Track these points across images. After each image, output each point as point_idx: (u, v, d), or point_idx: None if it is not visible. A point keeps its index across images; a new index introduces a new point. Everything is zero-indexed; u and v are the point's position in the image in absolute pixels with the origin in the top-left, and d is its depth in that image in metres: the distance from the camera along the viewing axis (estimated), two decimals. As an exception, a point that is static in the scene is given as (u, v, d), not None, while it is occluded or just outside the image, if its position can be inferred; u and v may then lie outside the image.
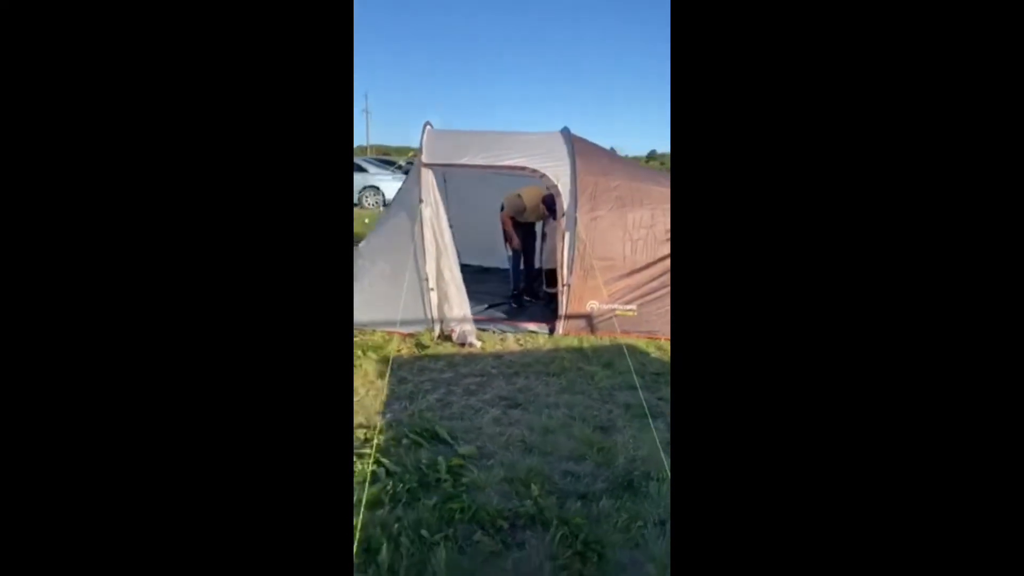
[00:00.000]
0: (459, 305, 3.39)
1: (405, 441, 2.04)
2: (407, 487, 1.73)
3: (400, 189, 3.66)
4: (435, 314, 3.37)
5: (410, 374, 2.75)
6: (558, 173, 3.52)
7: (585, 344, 3.33)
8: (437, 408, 2.37)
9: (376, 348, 3.06)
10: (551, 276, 4.02)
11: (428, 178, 3.42)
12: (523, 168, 3.60)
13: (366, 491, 1.68)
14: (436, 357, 3.03)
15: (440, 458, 1.89)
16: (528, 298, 4.28)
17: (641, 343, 3.37)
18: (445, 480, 1.78)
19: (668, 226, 3.52)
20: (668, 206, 3.62)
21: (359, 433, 2.12)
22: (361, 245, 3.56)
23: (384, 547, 1.45)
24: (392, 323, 3.34)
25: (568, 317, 3.53)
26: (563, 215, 3.48)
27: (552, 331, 3.53)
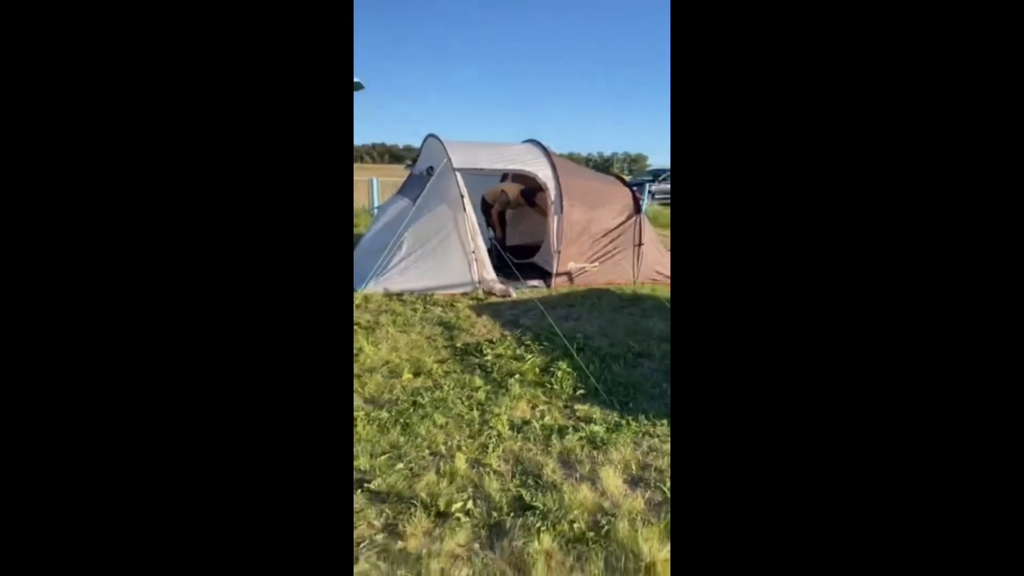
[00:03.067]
0: (488, 270, 4.73)
1: (543, 335, 3.43)
2: (570, 351, 3.16)
3: (429, 186, 4.79)
4: (476, 277, 4.66)
5: (495, 313, 4.05)
6: (546, 175, 5.06)
7: (574, 291, 4.94)
8: (534, 324, 3.76)
9: (453, 302, 4.27)
10: (524, 249, 5.57)
11: (459, 178, 4.67)
12: (523, 171, 5.07)
13: (543, 358, 3.08)
14: (496, 304, 4.35)
15: (578, 335, 3.33)
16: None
17: (606, 287, 5.10)
18: (583, 348, 3.24)
19: (613, 209, 5.30)
20: (612, 195, 5.43)
21: (512, 337, 3.41)
22: (408, 232, 4.63)
23: (591, 366, 2.87)
24: (445, 287, 4.55)
25: (558, 274, 5.11)
26: (551, 204, 5.03)
27: (548, 285, 5.07)
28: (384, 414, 2.41)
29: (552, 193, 5.04)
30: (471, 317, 3.92)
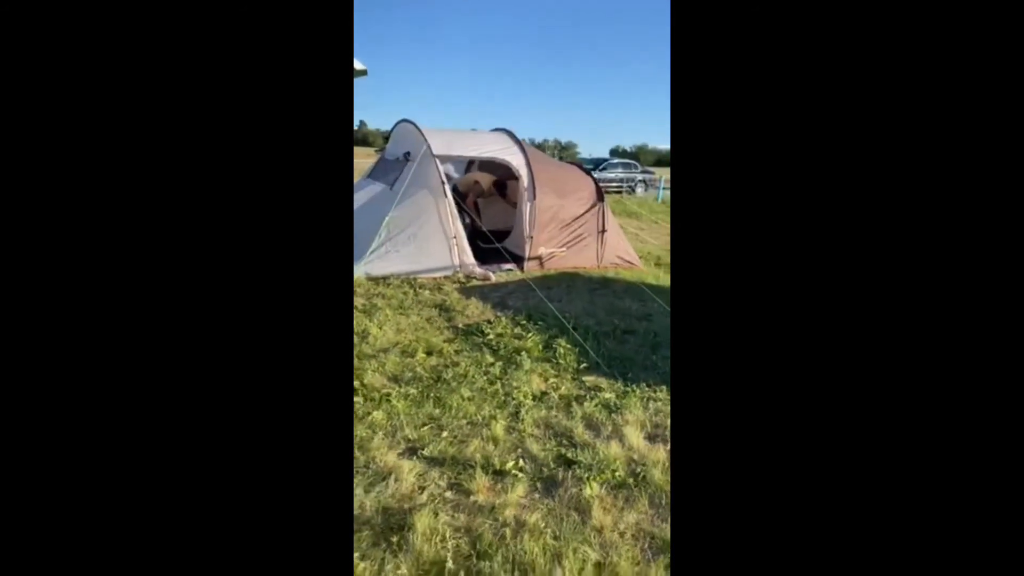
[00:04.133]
0: (468, 255, 4.88)
1: (535, 316, 3.67)
2: (561, 328, 3.42)
3: (408, 171, 4.83)
4: (457, 261, 4.80)
5: (482, 296, 4.23)
6: (519, 163, 5.26)
7: (547, 275, 5.22)
8: (522, 306, 3.99)
9: (439, 285, 4.40)
10: (495, 235, 5.79)
11: (439, 164, 4.76)
12: (498, 159, 5.23)
13: (543, 334, 3.34)
14: (479, 287, 4.53)
15: (567, 315, 3.60)
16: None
17: (574, 271, 5.43)
18: (578, 327, 3.52)
19: (579, 197, 5.62)
20: (578, 184, 5.73)
21: (506, 317, 3.61)
22: (389, 217, 4.67)
23: (585, 339, 3.16)
24: (427, 271, 4.66)
25: (530, 259, 5.36)
26: (524, 191, 5.25)
27: (521, 269, 5.31)
28: (412, 390, 2.56)
29: (525, 181, 5.26)
30: (461, 300, 4.09)
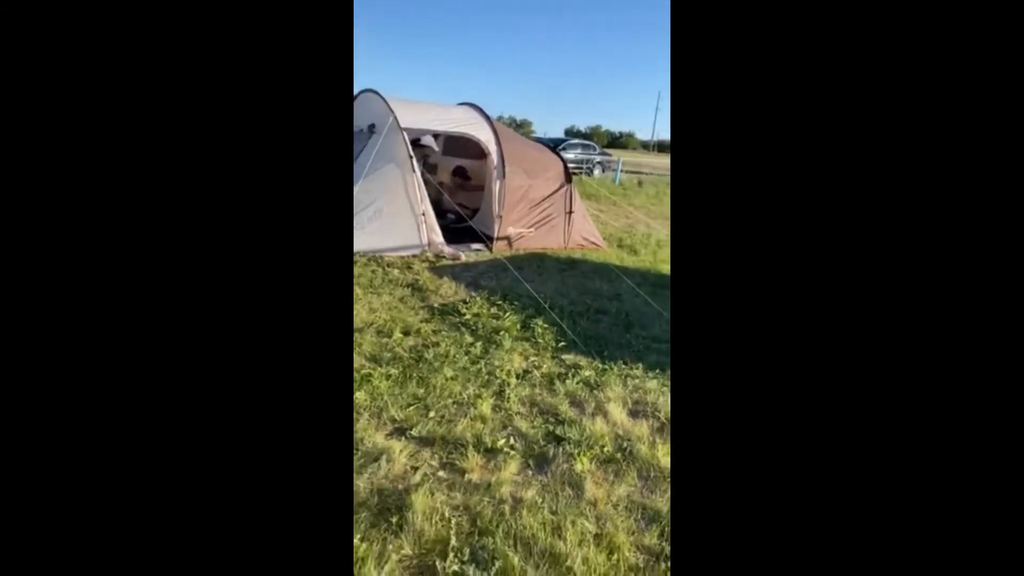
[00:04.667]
0: (437, 233, 4.79)
1: (510, 296, 3.66)
2: (537, 308, 3.44)
3: (374, 144, 4.64)
4: (425, 240, 4.69)
5: (454, 275, 4.17)
6: (488, 139, 5.17)
7: (516, 255, 5.21)
8: (496, 286, 3.97)
9: (408, 264, 4.30)
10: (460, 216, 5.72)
11: (407, 138, 4.61)
12: (467, 135, 5.11)
13: (519, 314, 3.34)
14: (449, 267, 4.46)
15: (539, 296, 3.61)
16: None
17: (542, 252, 5.45)
18: (553, 307, 3.54)
19: (548, 177, 5.61)
20: (546, 164, 5.72)
21: (481, 297, 3.58)
22: (354, 191, 4.49)
23: (561, 318, 3.19)
24: (394, 249, 4.54)
25: (498, 239, 5.33)
26: (494, 169, 5.18)
27: (490, 249, 5.27)
28: (393, 370, 2.51)
29: (494, 158, 5.19)
30: (433, 279, 4.01)
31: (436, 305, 3.47)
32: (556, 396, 2.44)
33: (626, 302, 3.87)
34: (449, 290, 3.82)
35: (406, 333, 2.98)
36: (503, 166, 5.17)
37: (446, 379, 2.48)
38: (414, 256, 4.60)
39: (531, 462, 1.95)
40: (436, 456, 1.94)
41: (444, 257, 4.70)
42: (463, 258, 4.76)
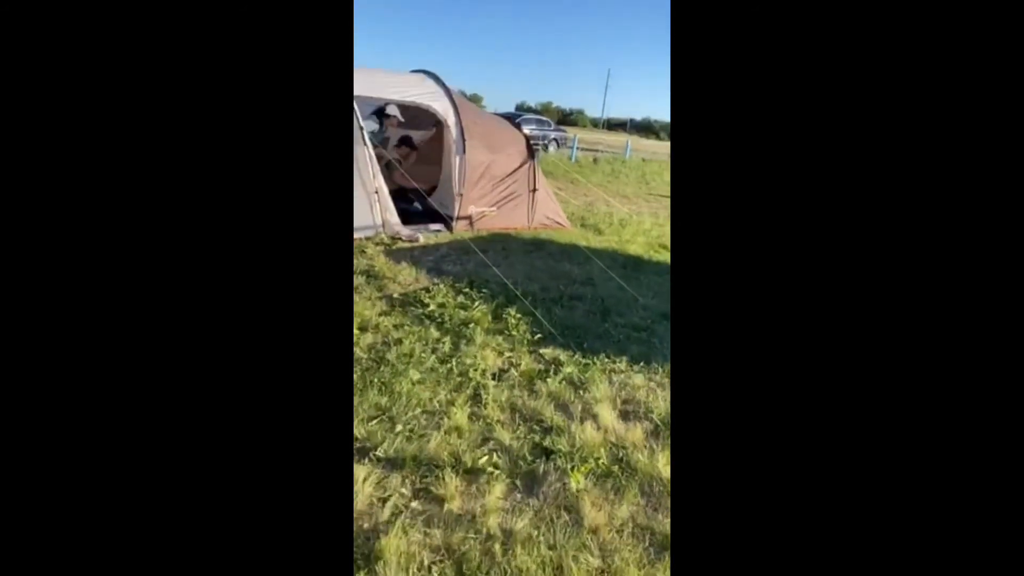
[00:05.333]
0: (392, 213, 4.38)
1: (477, 282, 3.36)
2: (508, 295, 3.16)
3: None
4: (379, 220, 4.27)
5: (413, 260, 3.80)
6: (446, 110, 4.75)
7: (479, 236, 4.88)
8: (460, 271, 3.64)
9: (361, 248, 3.88)
10: (417, 193, 5.30)
11: (357, 107, 4.13)
12: (421, 104, 4.67)
13: (492, 303, 3.06)
14: (407, 249, 4.08)
15: (508, 282, 3.32)
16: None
17: (505, 232, 5.14)
18: (526, 295, 3.27)
19: (510, 153, 5.27)
20: (508, 139, 5.36)
21: (445, 285, 3.25)
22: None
23: (534, 307, 2.93)
24: (345, 231, 4.11)
25: (459, 218, 4.96)
26: (453, 143, 4.78)
27: (451, 229, 4.90)
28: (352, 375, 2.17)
29: (453, 131, 4.79)
30: (390, 264, 3.63)
31: (395, 295, 3.12)
32: (538, 399, 2.19)
33: (599, 287, 3.65)
34: (409, 277, 3.46)
35: (363, 329, 2.62)
36: (463, 140, 4.79)
37: (412, 383, 2.17)
38: (367, 239, 4.18)
39: (519, 482, 1.69)
40: (407, 482, 1.64)
41: (401, 239, 4.31)
42: (421, 240, 4.38)
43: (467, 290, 3.25)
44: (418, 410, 2.00)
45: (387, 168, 5.10)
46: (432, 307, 2.95)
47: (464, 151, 4.79)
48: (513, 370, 2.39)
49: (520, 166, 5.32)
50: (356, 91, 4.25)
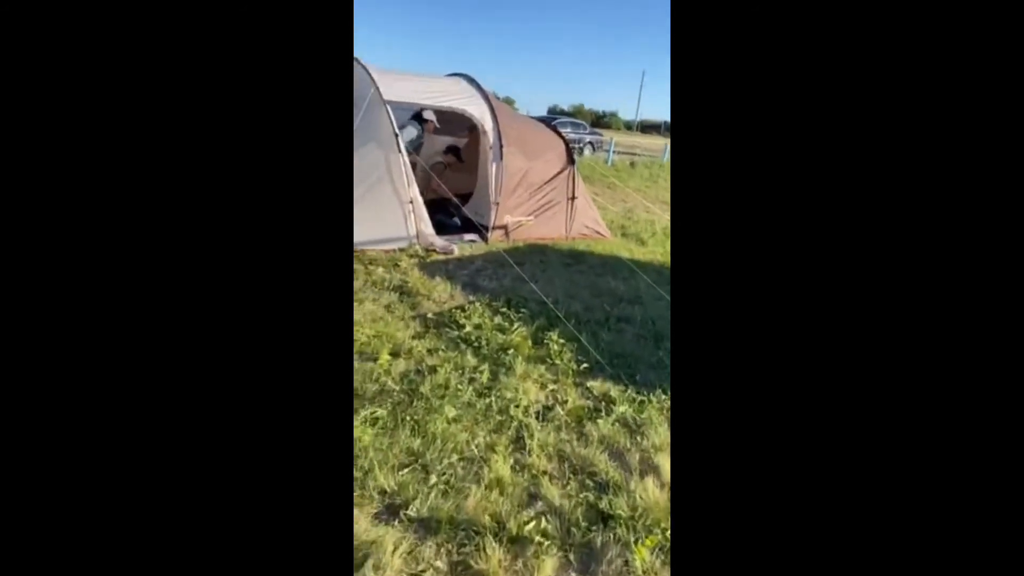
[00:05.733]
0: (427, 223, 4.19)
1: (515, 300, 3.13)
2: (548, 316, 2.91)
3: (358, 121, 3.98)
4: (413, 231, 4.09)
5: (447, 274, 3.60)
6: (483, 115, 4.54)
7: (514, 247, 4.65)
8: (497, 287, 3.42)
9: (395, 261, 3.70)
10: (452, 202, 5.09)
11: (391, 112, 3.96)
12: (457, 109, 4.48)
13: (534, 322, 2.82)
14: (441, 262, 3.88)
15: (549, 301, 3.08)
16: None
17: (542, 243, 4.89)
18: (568, 316, 3.02)
19: (548, 159, 5.02)
20: (547, 144, 5.12)
21: (481, 303, 3.03)
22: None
23: (578, 330, 2.67)
24: (377, 242, 3.93)
25: (494, 228, 4.75)
26: (490, 149, 4.57)
27: (486, 240, 4.69)
28: (380, 411, 1.96)
29: (491, 137, 4.57)
30: (424, 279, 3.43)
31: (429, 314, 2.90)
32: (589, 444, 1.93)
33: (648, 307, 3.36)
34: (443, 293, 3.25)
35: (395, 354, 2.42)
36: (500, 146, 4.57)
37: (448, 422, 1.95)
38: (401, 250, 4.00)
39: (572, 557, 1.44)
40: (443, 551, 1.41)
41: (435, 251, 4.11)
42: (456, 251, 4.17)
43: (504, 309, 3.01)
44: (455, 456, 1.78)
45: (423, 174, 4.93)
46: (468, 328, 2.73)
47: (501, 157, 4.57)
48: (559, 407, 2.13)
49: (559, 173, 5.06)
50: (391, 96, 4.09)
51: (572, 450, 1.89)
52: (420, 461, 1.74)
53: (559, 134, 5.44)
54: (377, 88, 4.00)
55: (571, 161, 5.19)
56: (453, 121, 5.13)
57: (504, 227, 4.85)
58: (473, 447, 1.83)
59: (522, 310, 3.03)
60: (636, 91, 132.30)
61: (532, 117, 12.60)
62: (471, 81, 4.89)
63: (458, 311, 2.93)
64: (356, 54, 4.35)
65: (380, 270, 3.51)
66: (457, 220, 4.86)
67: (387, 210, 3.98)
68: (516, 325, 2.81)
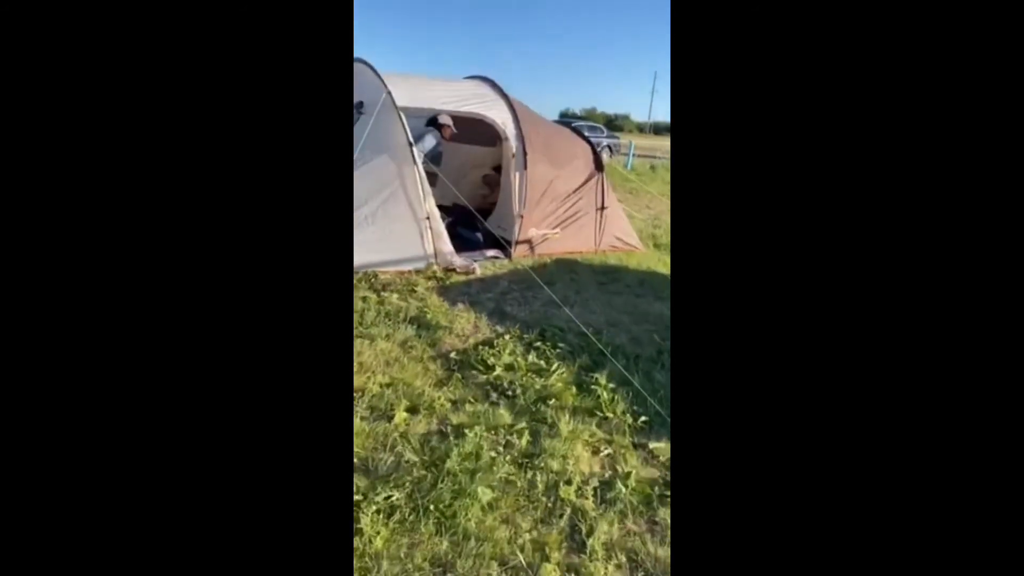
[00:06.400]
0: (445, 241, 3.79)
1: (549, 332, 2.71)
2: (590, 350, 2.49)
3: (368, 130, 3.62)
4: (431, 250, 3.70)
5: (470, 299, 3.20)
6: (505, 121, 4.15)
7: (541, 263, 4.24)
8: (527, 314, 3.01)
9: (411, 286, 3.31)
10: (471, 214, 4.69)
11: (405, 120, 3.59)
12: (476, 115, 4.09)
13: (575, 361, 2.39)
14: (462, 283, 3.48)
15: (589, 331, 2.65)
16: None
17: (569, 257, 4.47)
18: (616, 354, 2.59)
19: (576, 166, 4.61)
20: (573, 150, 4.71)
21: (511, 334, 2.62)
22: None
23: (628, 370, 2.25)
24: (391, 263, 3.55)
25: (519, 242, 4.34)
26: (512, 158, 4.17)
27: (510, 255, 4.28)
28: (397, 494, 1.55)
29: (513, 145, 4.16)
30: (444, 307, 3.03)
31: (453, 353, 2.49)
32: (662, 539, 1.49)
33: (702, 335, 2.93)
34: (467, 324, 2.84)
35: (413, 410, 2.01)
36: (524, 155, 4.16)
37: (483, 509, 1.53)
38: (417, 272, 3.61)
39: None
40: None
41: (455, 270, 3.72)
42: (478, 271, 3.77)
43: (538, 343, 2.59)
44: (494, 564, 1.36)
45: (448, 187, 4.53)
46: (499, 371, 2.31)
47: (525, 166, 4.16)
48: (620, 483, 1.70)
49: (586, 180, 4.64)
50: (405, 102, 3.72)
51: (645, 550, 1.45)
52: (449, 574, 1.33)
53: (585, 139, 5.02)
54: (389, 93, 3.62)
55: (599, 168, 4.77)
56: (474, 128, 4.74)
57: (529, 241, 4.43)
58: (517, 549, 1.41)
59: (558, 344, 2.60)
60: (647, 92, 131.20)
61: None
62: (492, 85, 4.49)
63: (485, 348, 2.52)
64: (365, 59, 4.00)
65: (395, 297, 3.12)
66: (479, 235, 4.46)
67: (402, 228, 3.59)
68: (555, 365, 2.39)
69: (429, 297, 3.16)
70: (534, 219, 4.33)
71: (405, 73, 4.26)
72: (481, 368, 2.35)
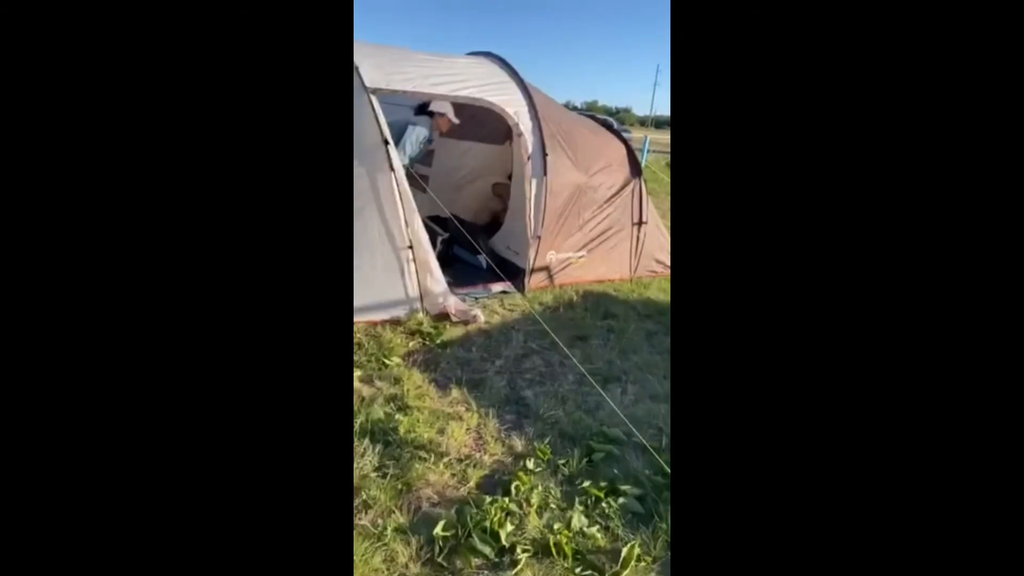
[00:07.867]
0: (437, 279, 2.73)
1: (584, 436, 1.68)
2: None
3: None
4: (415, 290, 2.65)
5: (471, 375, 2.15)
6: (519, 112, 3.08)
7: (563, 296, 3.21)
8: (554, 408, 1.98)
9: (383, 349, 2.26)
10: (469, 229, 3.62)
11: (378, 108, 2.53)
12: (481, 101, 3.01)
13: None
14: (459, 341, 2.44)
15: (662, 461, 1.63)
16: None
17: (600, 289, 3.45)
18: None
19: (609, 171, 3.56)
20: (604, 150, 3.66)
21: (537, 452, 1.60)
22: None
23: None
24: (361, 310, 2.49)
25: (534, 270, 3.30)
26: (527, 159, 3.11)
27: (522, 288, 3.25)
28: None
29: (529, 142, 3.10)
30: (429, 393, 1.97)
31: (438, 529, 1.39)
32: None
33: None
34: (463, 437, 1.75)
35: None
36: (543, 156, 3.11)
37: None
38: (396, 322, 2.57)
39: None
40: None
41: (450, 317, 2.68)
42: (481, 318, 2.73)
43: (587, 485, 1.55)
44: None
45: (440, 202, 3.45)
46: (522, 564, 1.28)
47: (544, 171, 3.11)
48: None
49: (621, 188, 3.58)
50: (383, 83, 2.65)
51: None
52: None
53: (616, 133, 3.97)
54: (357, 71, 2.56)
55: (636, 172, 3.72)
56: (477, 118, 3.67)
57: (547, 268, 3.40)
58: None
59: (622, 488, 1.54)
60: (649, 86, 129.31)
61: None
62: (503, 63, 3.39)
63: (494, 503, 1.47)
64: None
65: (357, 375, 2.07)
66: (482, 259, 3.42)
67: (374, 262, 2.51)
68: (624, 541, 1.35)
69: (406, 375, 2.09)
70: (554, 240, 3.29)
71: (381, 45, 3.19)
72: (489, 554, 1.31)
